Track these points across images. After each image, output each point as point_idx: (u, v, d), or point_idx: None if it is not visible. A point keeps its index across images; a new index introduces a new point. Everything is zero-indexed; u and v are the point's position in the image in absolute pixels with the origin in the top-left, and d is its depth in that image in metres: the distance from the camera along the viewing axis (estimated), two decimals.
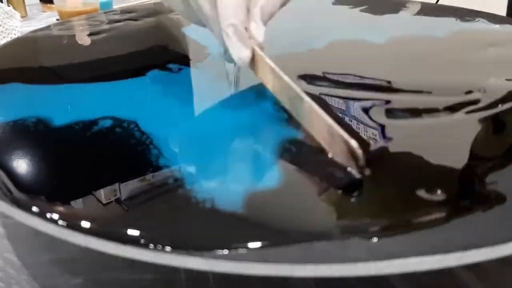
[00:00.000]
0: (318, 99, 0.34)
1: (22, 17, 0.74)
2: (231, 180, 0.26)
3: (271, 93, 0.30)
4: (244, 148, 0.29)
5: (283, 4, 0.32)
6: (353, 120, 0.31)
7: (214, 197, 0.23)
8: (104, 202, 0.24)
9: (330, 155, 0.26)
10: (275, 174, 0.26)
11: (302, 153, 0.28)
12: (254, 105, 0.34)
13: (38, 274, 0.27)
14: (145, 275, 0.26)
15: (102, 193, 0.25)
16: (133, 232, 0.21)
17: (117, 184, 0.25)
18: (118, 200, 0.24)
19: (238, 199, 0.23)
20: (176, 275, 0.26)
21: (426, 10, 0.57)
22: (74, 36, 0.52)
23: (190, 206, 0.23)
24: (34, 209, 0.23)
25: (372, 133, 0.29)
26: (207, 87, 0.38)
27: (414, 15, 0.56)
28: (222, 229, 0.22)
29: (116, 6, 0.72)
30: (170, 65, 0.41)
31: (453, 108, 0.32)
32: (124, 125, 0.31)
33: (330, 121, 0.25)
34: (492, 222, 0.22)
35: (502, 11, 0.60)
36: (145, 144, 0.29)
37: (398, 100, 0.34)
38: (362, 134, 0.29)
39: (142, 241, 0.21)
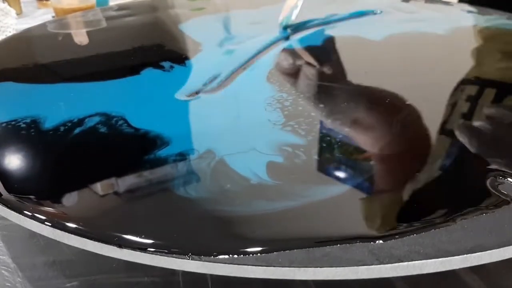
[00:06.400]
0: None
1: (17, 14, 0.73)
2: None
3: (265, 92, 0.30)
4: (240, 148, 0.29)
5: None
6: None
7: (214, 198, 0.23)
8: (100, 203, 0.24)
9: None
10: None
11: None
12: (248, 102, 0.33)
13: (33, 277, 0.27)
14: (142, 277, 0.26)
15: (97, 194, 0.24)
16: (130, 234, 0.21)
17: (113, 185, 0.25)
18: (114, 202, 0.24)
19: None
20: (174, 278, 0.26)
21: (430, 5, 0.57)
22: (70, 33, 0.52)
23: (189, 208, 0.23)
24: (28, 210, 0.22)
25: None
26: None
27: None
28: (222, 231, 0.21)
29: (112, 3, 0.72)
30: (165, 63, 0.40)
31: None
32: (116, 123, 0.30)
33: None
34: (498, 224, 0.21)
35: None
36: (140, 145, 0.28)
37: None
38: None
39: (140, 243, 0.20)
